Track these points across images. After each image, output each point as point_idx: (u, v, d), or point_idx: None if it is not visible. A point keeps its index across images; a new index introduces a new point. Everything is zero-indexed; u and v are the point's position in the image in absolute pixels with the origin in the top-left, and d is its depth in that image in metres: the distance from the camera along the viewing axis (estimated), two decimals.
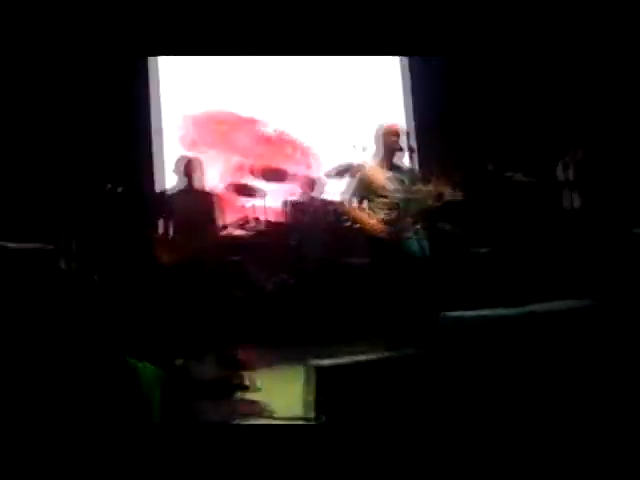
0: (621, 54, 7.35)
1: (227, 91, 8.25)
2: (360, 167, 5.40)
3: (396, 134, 5.07)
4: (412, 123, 8.52)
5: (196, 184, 5.67)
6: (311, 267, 6.77)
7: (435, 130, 7.89)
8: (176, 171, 5.75)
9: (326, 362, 3.86)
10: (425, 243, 5.08)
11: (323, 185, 7.47)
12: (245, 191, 7.30)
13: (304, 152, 8.32)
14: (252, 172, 7.52)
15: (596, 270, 6.06)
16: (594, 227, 6.42)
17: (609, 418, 2.99)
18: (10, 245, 5.49)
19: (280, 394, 4.53)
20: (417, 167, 5.28)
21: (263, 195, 7.30)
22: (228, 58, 8.03)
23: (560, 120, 7.38)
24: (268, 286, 6.80)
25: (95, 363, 3.02)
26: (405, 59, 8.81)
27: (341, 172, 7.15)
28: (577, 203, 6.83)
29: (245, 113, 8.26)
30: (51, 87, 7.21)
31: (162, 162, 7.75)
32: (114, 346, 3.11)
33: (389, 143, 5.06)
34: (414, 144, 5.22)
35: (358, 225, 5.20)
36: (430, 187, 4.95)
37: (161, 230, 5.62)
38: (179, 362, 4.66)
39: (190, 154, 5.98)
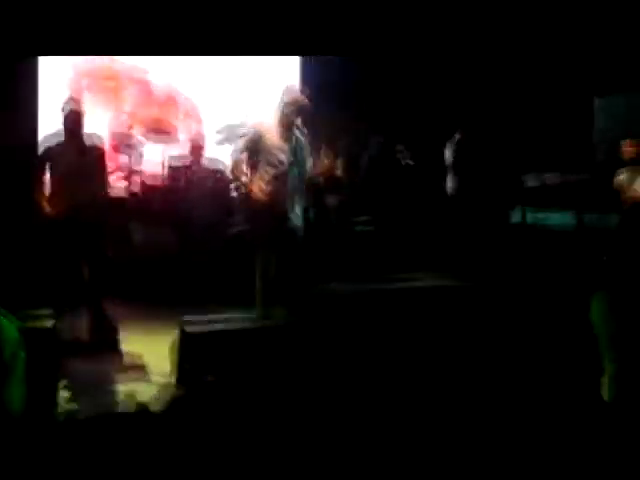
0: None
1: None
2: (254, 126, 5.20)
3: (297, 107, 4.89)
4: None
5: (76, 137, 5.34)
6: (191, 229, 6.65)
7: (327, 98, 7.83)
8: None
9: (195, 328, 3.83)
10: (309, 215, 5.07)
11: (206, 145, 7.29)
12: (124, 145, 7.06)
13: (193, 110, 8.09)
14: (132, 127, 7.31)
15: (469, 252, 6.31)
16: (472, 210, 6.64)
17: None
18: None
19: (155, 356, 4.47)
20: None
21: (141, 148, 7.09)
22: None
23: (445, 103, 7.52)
24: (146, 244, 6.64)
25: None
26: None
27: (232, 137, 7.02)
28: (456, 185, 7.01)
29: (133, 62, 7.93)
30: None
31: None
32: None
33: (289, 114, 4.88)
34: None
35: (242, 190, 5.06)
36: (320, 161, 4.93)
37: (41, 181, 5.31)
38: (49, 323, 4.46)
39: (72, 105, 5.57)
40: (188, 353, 3.65)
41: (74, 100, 5.50)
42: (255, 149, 4.93)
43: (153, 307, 5.75)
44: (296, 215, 4.93)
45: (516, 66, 7.62)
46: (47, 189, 5.33)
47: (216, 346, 3.74)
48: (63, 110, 5.31)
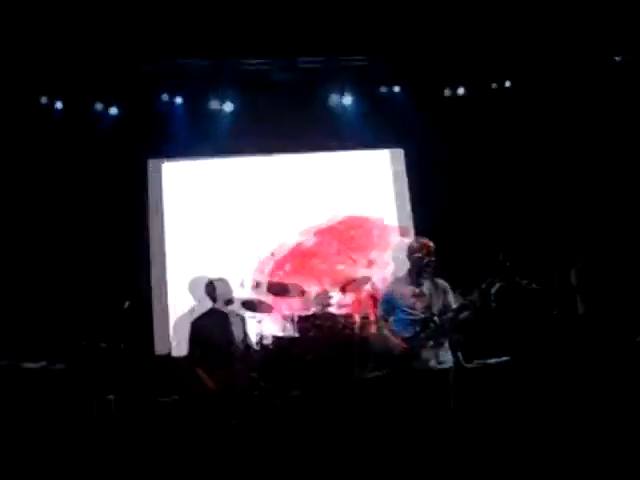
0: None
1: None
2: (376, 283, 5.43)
3: (428, 251, 5.11)
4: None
5: (218, 306, 5.73)
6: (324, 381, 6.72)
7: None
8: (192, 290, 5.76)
9: None
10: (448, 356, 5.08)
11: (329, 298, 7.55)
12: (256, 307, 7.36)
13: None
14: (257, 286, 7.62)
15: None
16: (598, 333, 6.53)
17: None
18: None
19: None
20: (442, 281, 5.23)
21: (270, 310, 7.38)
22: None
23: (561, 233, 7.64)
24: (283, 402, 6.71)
25: None
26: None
27: (358, 286, 7.25)
28: (581, 309, 6.97)
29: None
30: None
31: None
32: None
33: (419, 260, 5.09)
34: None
35: (384, 342, 5.17)
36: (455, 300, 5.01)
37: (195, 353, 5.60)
38: None
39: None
40: None
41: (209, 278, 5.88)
42: (392, 303, 5.11)
43: None
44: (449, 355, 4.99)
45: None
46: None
47: None
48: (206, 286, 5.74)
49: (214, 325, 5.57)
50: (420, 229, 8.32)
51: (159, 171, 8.49)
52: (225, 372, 5.40)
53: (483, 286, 6.57)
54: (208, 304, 5.77)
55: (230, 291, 5.78)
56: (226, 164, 8.61)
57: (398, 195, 8.78)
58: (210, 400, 5.34)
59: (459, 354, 5.94)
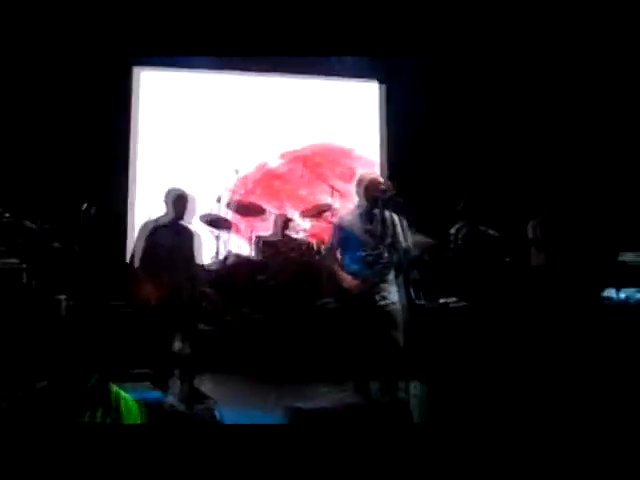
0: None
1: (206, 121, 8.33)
2: (337, 212, 5.34)
3: (378, 185, 4.96)
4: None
5: (182, 219, 5.64)
6: (278, 304, 6.74)
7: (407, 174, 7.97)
8: (166, 201, 5.68)
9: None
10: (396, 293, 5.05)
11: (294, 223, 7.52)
12: (217, 223, 7.30)
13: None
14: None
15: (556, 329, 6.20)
16: (558, 286, 6.56)
17: None
18: None
19: None
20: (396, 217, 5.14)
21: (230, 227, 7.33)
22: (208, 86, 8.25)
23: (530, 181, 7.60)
24: (233, 318, 6.76)
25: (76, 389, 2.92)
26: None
27: (317, 214, 7.19)
28: (542, 261, 6.98)
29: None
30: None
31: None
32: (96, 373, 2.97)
33: (371, 195, 4.95)
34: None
35: (333, 276, 5.09)
36: (412, 239, 4.96)
37: (139, 259, 5.53)
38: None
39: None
40: None
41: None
42: (344, 236, 5.03)
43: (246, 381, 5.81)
44: (394, 293, 4.96)
45: (605, 140, 7.70)
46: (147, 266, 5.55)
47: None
48: (170, 194, 5.63)
49: (167, 236, 5.51)
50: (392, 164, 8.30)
51: (138, 80, 8.35)
52: (167, 282, 5.36)
53: (452, 231, 6.63)
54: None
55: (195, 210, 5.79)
56: (211, 79, 8.50)
57: (380, 129, 8.74)
58: (151, 308, 5.32)
59: (411, 290, 5.91)
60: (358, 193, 5.06)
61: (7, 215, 6.32)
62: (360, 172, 5.34)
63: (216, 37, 6.04)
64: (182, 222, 5.65)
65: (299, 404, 3.66)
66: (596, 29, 6.49)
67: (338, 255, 5.14)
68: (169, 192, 5.61)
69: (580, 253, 6.60)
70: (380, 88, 8.83)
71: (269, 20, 5.97)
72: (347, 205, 7.37)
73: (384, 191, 4.92)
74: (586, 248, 6.63)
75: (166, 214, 5.61)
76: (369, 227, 4.94)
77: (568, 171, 7.57)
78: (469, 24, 6.30)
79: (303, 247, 7.12)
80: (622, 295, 6.68)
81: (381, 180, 5.07)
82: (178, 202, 5.57)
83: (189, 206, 5.64)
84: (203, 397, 5.26)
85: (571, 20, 6.40)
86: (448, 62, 8.09)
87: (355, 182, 5.13)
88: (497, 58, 7.65)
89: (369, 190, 4.95)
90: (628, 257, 7.00)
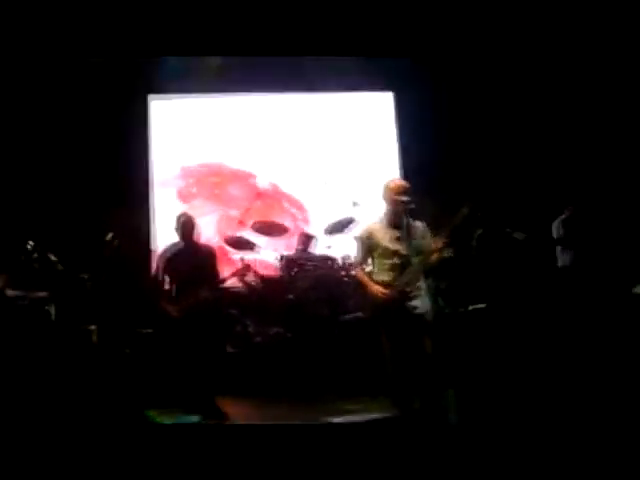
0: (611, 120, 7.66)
1: (220, 143, 8.39)
2: (361, 224, 5.30)
3: (404, 192, 4.90)
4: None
5: (192, 241, 5.76)
6: (308, 322, 6.74)
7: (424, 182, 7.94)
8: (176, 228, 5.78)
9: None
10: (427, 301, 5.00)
11: (317, 240, 7.53)
12: (240, 245, 7.32)
13: (300, 207, 8.37)
14: (245, 224, 7.58)
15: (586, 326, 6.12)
16: (586, 284, 6.48)
17: None
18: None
19: None
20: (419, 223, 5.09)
21: (258, 249, 7.34)
22: (222, 109, 8.32)
23: (551, 180, 7.54)
24: (264, 339, 6.76)
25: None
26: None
27: (340, 228, 7.19)
28: (568, 261, 6.92)
29: (239, 166, 8.36)
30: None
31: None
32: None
33: (397, 201, 4.88)
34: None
35: (362, 288, 5.06)
36: (432, 243, 4.88)
37: (163, 285, 5.63)
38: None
39: (185, 207, 5.97)
40: None
41: (186, 214, 5.90)
42: (368, 246, 5.00)
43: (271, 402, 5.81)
44: (423, 300, 4.92)
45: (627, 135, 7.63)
46: (167, 290, 5.63)
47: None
48: (179, 220, 5.74)
49: (183, 259, 5.60)
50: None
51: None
52: (190, 300, 5.44)
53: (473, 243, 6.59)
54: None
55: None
56: (218, 103, 8.55)
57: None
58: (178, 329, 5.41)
59: (439, 299, 5.88)
60: (384, 199, 5.02)
61: (34, 248, 6.38)
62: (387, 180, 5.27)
63: (221, 38, 6.19)
64: (197, 242, 5.81)
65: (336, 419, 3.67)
66: (612, 31, 6.51)
67: (365, 266, 5.12)
68: (177, 218, 5.75)
69: (607, 249, 6.54)
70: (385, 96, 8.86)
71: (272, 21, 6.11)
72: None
73: (409, 197, 4.89)
74: (613, 244, 6.56)
75: (179, 240, 5.72)
76: (397, 234, 4.91)
77: (592, 167, 7.49)
78: (483, 29, 6.36)
79: (329, 262, 7.12)
80: None
81: (407, 186, 5.02)
82: (184, 226, 5.69)
83: (195, 230, 5.77)
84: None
85: (587, 27, 6.42)
86: (460, 66, 8.09)
87: (383, 190, 5.02)
88: (513, 59, 7.66)
89: (394, 196, 4.90)
90: None
